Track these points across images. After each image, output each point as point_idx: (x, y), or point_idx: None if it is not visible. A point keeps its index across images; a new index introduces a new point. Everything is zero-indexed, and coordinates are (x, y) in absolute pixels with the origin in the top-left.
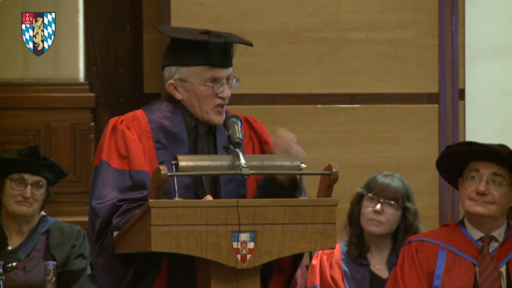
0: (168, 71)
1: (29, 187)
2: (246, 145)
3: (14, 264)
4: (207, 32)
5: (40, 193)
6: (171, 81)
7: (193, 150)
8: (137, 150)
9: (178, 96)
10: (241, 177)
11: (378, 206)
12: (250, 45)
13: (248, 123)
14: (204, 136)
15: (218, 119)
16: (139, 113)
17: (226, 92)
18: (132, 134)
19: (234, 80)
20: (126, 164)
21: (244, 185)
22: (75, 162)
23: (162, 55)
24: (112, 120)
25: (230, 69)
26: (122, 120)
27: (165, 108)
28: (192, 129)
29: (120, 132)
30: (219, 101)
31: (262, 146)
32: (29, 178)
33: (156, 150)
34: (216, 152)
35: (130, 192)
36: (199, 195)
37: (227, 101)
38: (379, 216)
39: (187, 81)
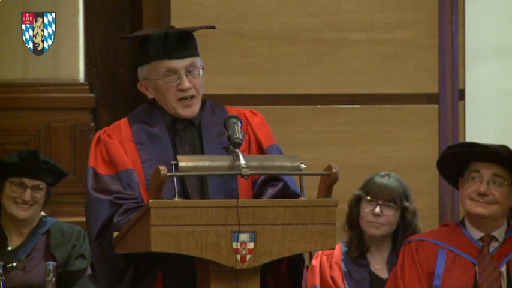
0: (138, 72)
1: (28, 190)
2: None
3: (14, 264)
4: (152, 31)
5: (40, 195)
6: (140, 81)
7: (174, 147)
8: (118, 152)
9: (150, 95)
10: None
11: (377, 209)
12: (192, 31)
13: (245, 118)
14: (183, 131)
15: (186, 113)
16: (122, 121)
17: (185, 83)
18: (112, 140)
19: (200, 70)
20: (112, 169)
21: (235, 179)
22: (75, 163)
23: None
24: (97, 133)
25: (187, 60)
26: (105, 131)
27: (145, 110)
28: (171, 126)
29: (103, 142)
30: (181, 94)
31: (257, 142)
32: (29, 182)
33: (138, 151)
34: (201, 146)
35: (122, 191)
36: (184, 193)
37: (192, 92)
38: (378, 218)
39: (150, 78)
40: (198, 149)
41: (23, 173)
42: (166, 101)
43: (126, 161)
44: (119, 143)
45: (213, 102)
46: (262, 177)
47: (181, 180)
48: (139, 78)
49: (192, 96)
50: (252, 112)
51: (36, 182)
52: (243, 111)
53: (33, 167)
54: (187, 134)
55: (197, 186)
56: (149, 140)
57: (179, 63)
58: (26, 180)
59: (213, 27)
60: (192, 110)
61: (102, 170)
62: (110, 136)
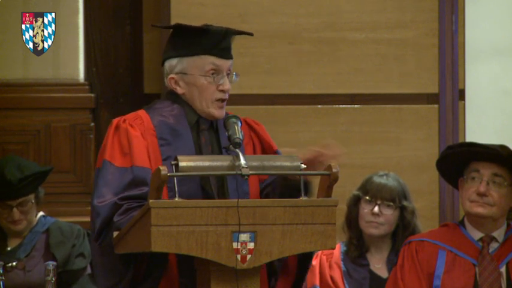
0: (169, 64)
1: (14, 210)
2: (246, 145)
3: (14, 263)
4: (207, 26)
5: (28, 207)
6: (172, 75)
7: (197, 146)
8: (140, 147)
9: (180, 90)
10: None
11: (376, 209)
12: (251, 35)
13: (248, 125)
14: (207, 131)
15: (219, 113)
16: (141, 112)
17: (227, 84)
18: (136, 131)
19: (234, 75)
20: (128, 161)
21: (247, 183)
22: (75, 163)
23: (163, 51)
24: (115, 120)
25: (230, 62)
26: (125, 120)
27: (166, 106)
28: (194, 125)
29: (124, 131)
30: (220, 95)
31: (264, 147)
32: (13, 202)
33: (160, 147)
34: (219, 147)
35: (131, 189)
36: (206, 190)
37: (227, 95)
38: (377, 218)
39: (187, 73)
40: (216, 151)
41: (2, 197)
42: (202, 99)
43: (145, 159)
44: (142, 135)
45: None
46: (268, 180)
47: (203, 179)
48: (171, 72)
49: (225, 100)
50: (253, 121)
51: (19, 200)
52: (244, 118)
53: (9, 191)
54: (210, 134)
55: (217, 190)
56: (172, 137)
57: (225, 63)
58: (9, 202)
59: (252, 34)
60: (223, 112)
61: (118, 161)
62: (133, 126)
